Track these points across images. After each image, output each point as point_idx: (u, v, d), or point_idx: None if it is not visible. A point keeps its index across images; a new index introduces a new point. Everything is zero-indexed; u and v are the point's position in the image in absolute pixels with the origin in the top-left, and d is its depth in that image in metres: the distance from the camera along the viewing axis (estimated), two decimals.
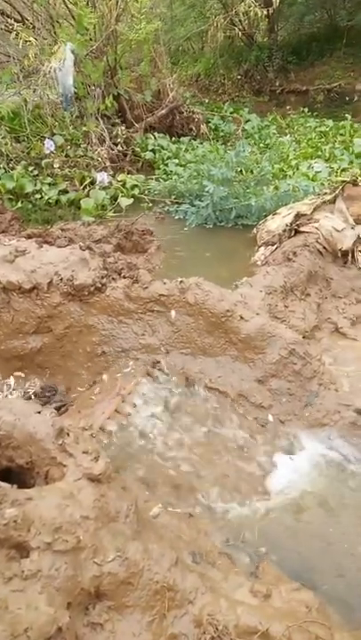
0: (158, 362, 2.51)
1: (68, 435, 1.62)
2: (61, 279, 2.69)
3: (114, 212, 4.41)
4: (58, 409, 2.57)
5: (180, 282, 2.56)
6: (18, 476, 1.66)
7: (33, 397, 2.73)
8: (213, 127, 6.93)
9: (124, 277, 2.74)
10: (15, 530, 1.22)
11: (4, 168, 4.73)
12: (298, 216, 3.39)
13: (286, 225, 3.36)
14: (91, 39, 5.44)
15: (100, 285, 2.65)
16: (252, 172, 4.52)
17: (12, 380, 2.86)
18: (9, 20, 5.18)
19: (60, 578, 1.21)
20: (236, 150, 4.34)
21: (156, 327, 2.60)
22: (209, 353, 2.47)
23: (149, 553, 1.42)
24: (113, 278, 2.74)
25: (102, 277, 2.70)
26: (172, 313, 2.56)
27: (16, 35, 4.53)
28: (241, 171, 4.52)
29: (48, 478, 1.58)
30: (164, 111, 6.52)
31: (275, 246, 3.34)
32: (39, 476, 1.61)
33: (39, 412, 1.67)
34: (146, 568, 1.38)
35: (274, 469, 2.08)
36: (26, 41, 4.52)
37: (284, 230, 3.36)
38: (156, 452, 2.05)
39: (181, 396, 2.34)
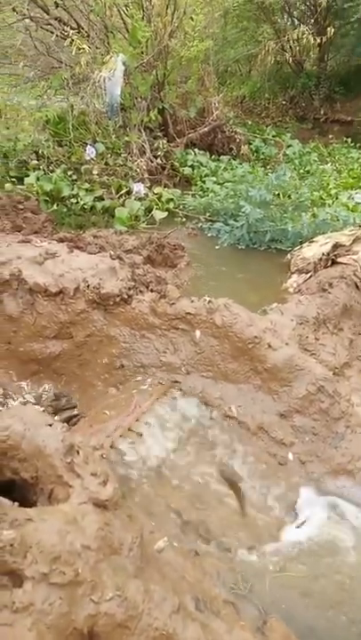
0: (177, 382, 2.41)
1: (77, 453, 1.53)
2: (88, 286, 2.63)
3: (147, 224, 4.37)
4: (69, 419, 2.50)
5: (209, 302, 2.47)
6: (20, 489, 1.58)
7: (44, 404, 2.67)
8: (254, 149, 6.90)
9: (152, 291, 2.67)
10: (11, 555, 1.13)
11: (44, 170, 4.77)
12: (336, 246, 3.28)
13: (323, 254, 3.25)
14: (142, 52, 5.49)
15: (126, 296, 2.58)
16: (290, 196, 4.44)
17: (26, 383, 2.81)
18: (65, 27, 5.27)
19: (52, 614, 1.10)
20: (277, 173, 4.26)
21: (178, 346, 2.50)
22: (231, 379, 2.36)
23: (151, 594, 1.31)
24: (140, 290, 2.67)
25: (129, 289, 2.63)
26: (197, 333, 2.46)
27: (70, 42, 4.60)
28: (279, 194, 4.45)
29: (52, 497, 1.48)
30: (206, 129, 6.53)
31: (309, 275, 3.23)
32: (43, 494, 1.51)
33: (50, 425, 1.59)
34: (145, 612, 1.26)
35: (289, 514, 1.94)
36: (79, 48, 4.58)
37: (320, 259, 3.24)
38: (165, 480, 1.93)
39: (198, 422, 2.23)
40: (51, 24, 5.37)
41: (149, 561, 1.47)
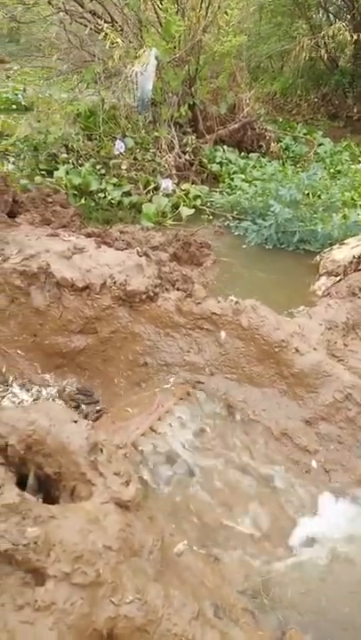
0: (201, 383, 2.39)
1: (101, 451, 1.53)
2: (115, 282, 2.63)
3: (173, 221, 4.35)
4: (91, 414, 2.50)
5: (236, 303, 2.43)
6: (43, 484, 1.58)
7: (67, 397, 2.68)
8: (284, 147, 6.77)
9: (178, 289, 2.65)
10: (35, 553, 1.13)
11: (74, 164, 4.79)
12: None
13: (354, 257, 3.17)
14: (175, 47, 5.45)
15: (152, 294, 2.57)
16: (320, 196, 4.34)
17: (50, 376, 2.83)
18: (99, 20, 5.27)
19: (73, 614, 1.10)
20: (309, 173, 4.18)
21: (203, 346, 2.48)
22: (256, 382, 2.32)
23: (170, 600, 1.29)
24: (166, 288, 2.66)
25: (156, 286, 2.62)
26: (223, 334, 2.43)
27: (104, 36, 4.59)
28: (308, 194, 4.36)
29: (74, 495, 1.48)
30: (236, 125, 6.44)
31: (338, 278, 3.15)
32: (65, 490, 1.51)
33: (75, 422, 1.58)
34: (165, 617, 1.25)
35: (311, 523, 1.90)
36: (113, 42, 4.57)
37: (351, 262, 3.17)
38: (186, 482, 1.92)
39: (220, 424, 2.21)
40: (85, 17, 5.38)
41: (169, 564, 1.46)
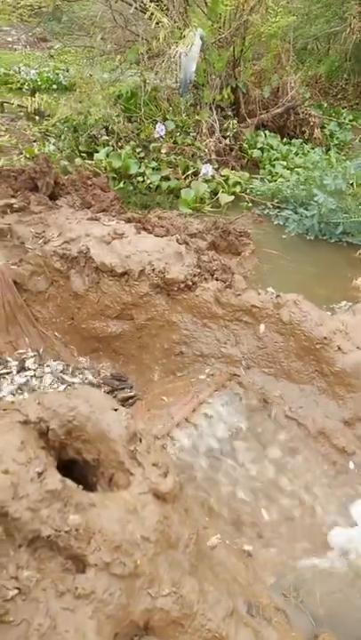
0: (237, 375, 2.36)
1: (140, 441, 1.52)
2: (153, 269, 2.60)
3: (211, 207, 4.27)
4: (125, 400, 2.52)
5: (277, 296, 2.37)
6: (81, 470, 1.60)
7: (101, 381, 2.70)
8: (328, 133, 6.53)
9: (217, 279, 2.60)
10: (76, 540, 1.13)
11: (113, 146, 4.75)
12: None
13: None
14: (220, 27, 5.29)
15: (190, 283, 2.54)
16: None
17: (85, 359, 2.86)
18: None
19: (112, 604, 1.11)
20: (357, 162, 4.00)
21: (240, 338, 2.44)
22: (294, 378, 2.27)
23: (205, 595, 1.29)
24: (205, 278, 2.62)
25: (195, 275, 2.58)
26: (262, 327, 2.38)
27: (150, 15, 4.49)
28: (352, 184, 4.19)
29: (112, 482, 1.49)
30: (279, 110, 6.23)
31: None
32: (103, 477, 1.52)
33: (115, 410, 1.58)
34: (200, 612, 1.25)
35: (345, 525, 1.86)
36: (158, 22, 4.46)
37: None
38: (220, 475, 1.91)
39: (255, 419, 2.18)
40: None
41: (203, 558, 1.46)
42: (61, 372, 2.70)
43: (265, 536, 1.75)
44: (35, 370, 2.71)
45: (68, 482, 1.31)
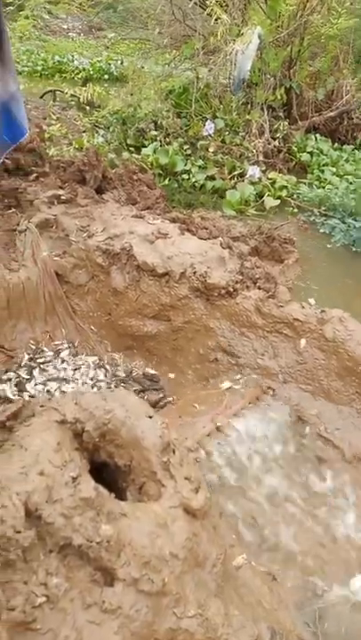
0: (272, 389, 2.30)
1: (173, 452, 1.50)
2: (195, 273, 2.57)
3: (256, 210, 4.19)
4: (156, 402, 2.50)
5: (322, 311, 2.30)
6: (111, 474, 1.59)
7: (133, 380, 2.70)
8: None
9: (260, 288, 2.55)
10: (107, 552, 1.12)
11: (161, 141, 4.72)
12: None
13: None
14: (279, 27, 5.16)
15: (232, 290, 2.49)
16: None
17: (119, 356, 2.86)
18: None
19: (138, 621, 1.09)
20: None
21: (279, 351, 2.38)
22: (332, 398, 2.20)
23: (230, 619, 1.26)
24: (247, 286, 2.56)
25: (236, 282, 2.53)
26: (302, 342, 2.31)
27: (210, 11, 4.42)
28: None
29: (142, 491, 1.47)
30: (332, 113, 6.05)
31: None
32: (134, 485, 1.51)
33: (150, 417, 1.56)
34: (224, 636, 1.22)
35: None
36: (217, 18, 4.39)
37: None
38: (249, 492, 1.86)
39: (288, 436, 2.12)
40: None
41: (228, 579, 1.42)
42: (94, 366, 2.71)
43: (292, 560, 1.70)
44: (68, 362, 2.74)
45: (101, 489, 1.29)
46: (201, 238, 2.81)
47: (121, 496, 1.46)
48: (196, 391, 2.36)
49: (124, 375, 2.71)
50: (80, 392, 1.62)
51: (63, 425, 1.46)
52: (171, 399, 2.49)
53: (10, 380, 2.52)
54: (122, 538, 1.18)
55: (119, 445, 1.53)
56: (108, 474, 1.58)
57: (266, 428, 2.10)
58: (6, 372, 2.58)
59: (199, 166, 4.49)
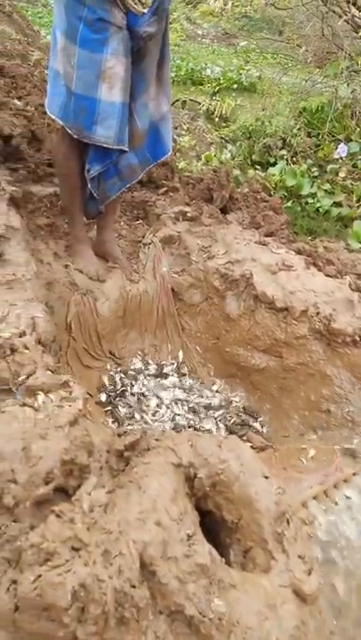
0: None
1: (288, 523, 1.39)
2: (318, 313, 2.42)
3: None
4: (261, 450, 2.38)
5: None
6: (214, 524, 1.52)
7: (233, 412, 2.62)
8: None
9: None
10: (217, 631, 1.05)
11: (287, 160, 4.59)
12: None
13: None
14: None
15: (358, 339, 2.30)
16: None
17: (220, 382, 2.80)
18: (357, 11, 4.84)
19: None
20: None
21: None
22: None
23: None
24: None
25: None
26: None
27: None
28: None
29: (248, 556, 1.39)
30: None
31: None
32: (239, 545, 1.42)
33: (266, 478, 1.47)
34: None
35: None
36: None
37: None
38: (356, 571, 1.69)
39: None
40: (340, 6, 4.99)
41: None
42: (191, 389, 2.68)
43: None
44: (168, 378, 2.73)
45: (214, 552, 1.23)
46: (328, 275, 2.65)
47: (222, 552, 1.39)
48: (301, 441, 2.22)
49: (222, 404, 2.64)
50: (195, 433, 1.58)
51: (178, 469, 1.42)
52: (271, 441, 2.37)
53: (116, 389, 2.57)
54: (232, 615, 1.10)
55: (229, 500, 1.46)
56: (210, 523, 1.52)
57: None
58: (112, 378, 2.63)
59: (325, 190, 4.29)
